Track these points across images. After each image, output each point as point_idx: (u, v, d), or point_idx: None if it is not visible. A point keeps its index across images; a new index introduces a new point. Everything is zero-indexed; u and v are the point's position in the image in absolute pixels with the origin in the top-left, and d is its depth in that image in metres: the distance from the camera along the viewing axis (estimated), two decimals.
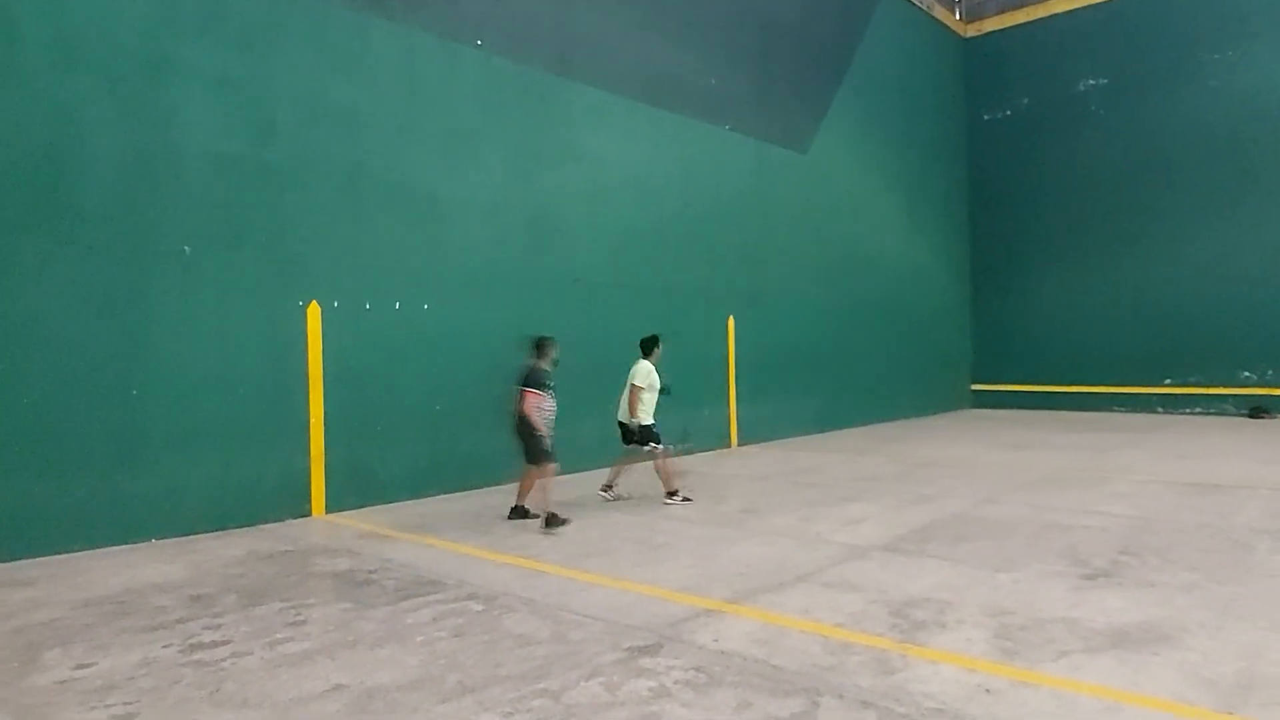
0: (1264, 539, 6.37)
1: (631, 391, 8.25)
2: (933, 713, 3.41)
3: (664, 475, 8.28)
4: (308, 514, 7.83)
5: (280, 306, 7.71)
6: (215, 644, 4.38)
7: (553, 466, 7.47)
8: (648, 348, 8.49)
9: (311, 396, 7.89)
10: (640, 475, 9.11)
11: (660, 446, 8.25)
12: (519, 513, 7.67)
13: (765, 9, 13.71)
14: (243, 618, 4.82)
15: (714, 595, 5.11)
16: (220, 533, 7.15)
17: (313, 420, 7.88)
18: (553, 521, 7.16)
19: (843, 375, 15.19)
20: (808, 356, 14.30)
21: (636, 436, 8.29)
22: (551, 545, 6.56)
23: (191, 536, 7.00)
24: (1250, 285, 16.45)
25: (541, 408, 7.44)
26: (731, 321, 12.75)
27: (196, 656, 4.21)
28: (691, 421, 11.89)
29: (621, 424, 8.50)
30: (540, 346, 7.69)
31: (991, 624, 4.49)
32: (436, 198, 8.96)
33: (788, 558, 6.04)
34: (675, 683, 3.75)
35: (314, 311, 7.90)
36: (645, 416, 8.25)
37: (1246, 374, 16.60)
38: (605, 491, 8.66)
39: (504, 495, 8.78)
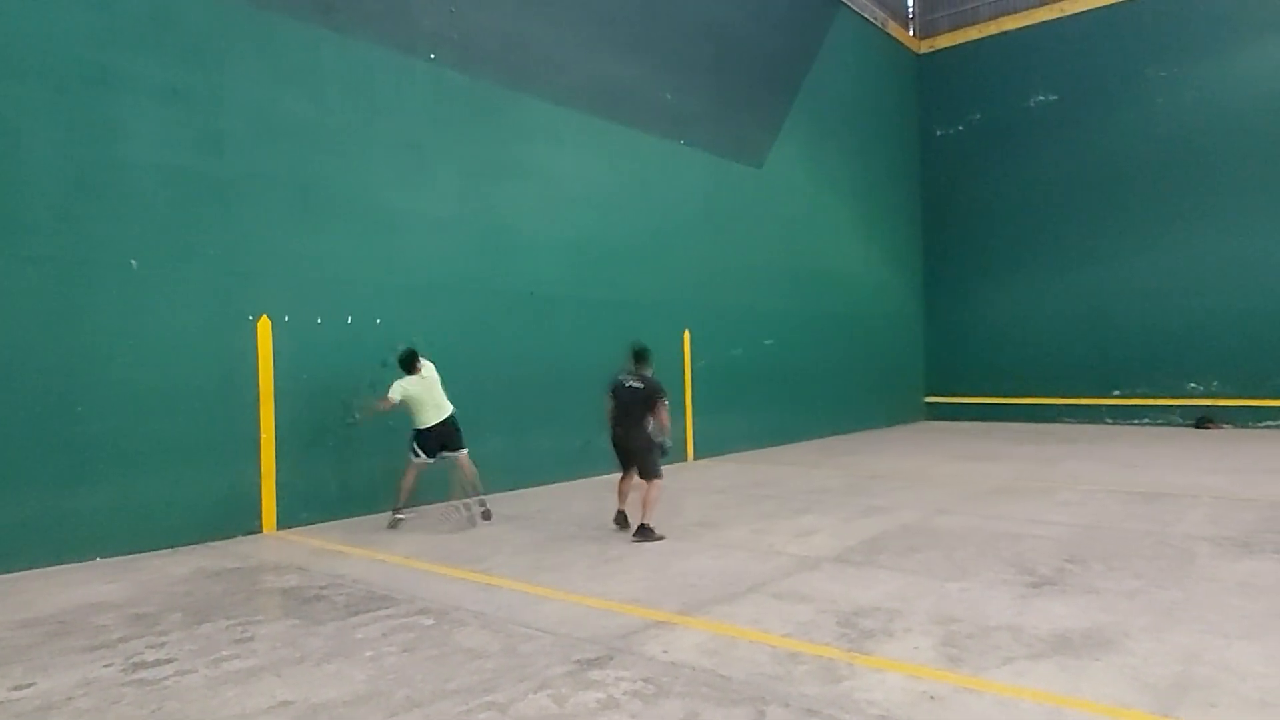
0: (1205, 546, 6.54)
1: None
2: None
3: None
4: (258, 531, 7.70)
5: (230, 321, 7.59)
6: (158, 663, 4.30)
7: (662, 481, 7.35)
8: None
9: (262, 411, 7.77)
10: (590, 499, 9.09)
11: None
12: (624, 519, 7.48)
13: (720, 23, 13.88)
14: (187, 636, 4.73)
15: (665, 607, 5.12)
16: (167, 551, 7.00)
17: (263, 435, 7.76)
18: (651, 535, 7.03)
19: (798, 388, 15.33)
20: (764, 370, 14.42)
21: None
22: (505, 560, 6.53)
23: (137, 555, 6.84)
24: (1196, 298, 16.91)
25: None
26: (687, 335, 12.81)
27: (138, 676, 4.12)
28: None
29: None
30: (648, 355, 7.45)
31: (938, 632, 4.55)
32: (389, 211, 8.91)
33: (740, 569, 6.07)
34: (624, 694, 3.75)
35: (264, 326, 7.80)
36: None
37: (1193, 385, 17.04)
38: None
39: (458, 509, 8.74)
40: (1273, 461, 11.58)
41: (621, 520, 7.56)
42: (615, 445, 7.50)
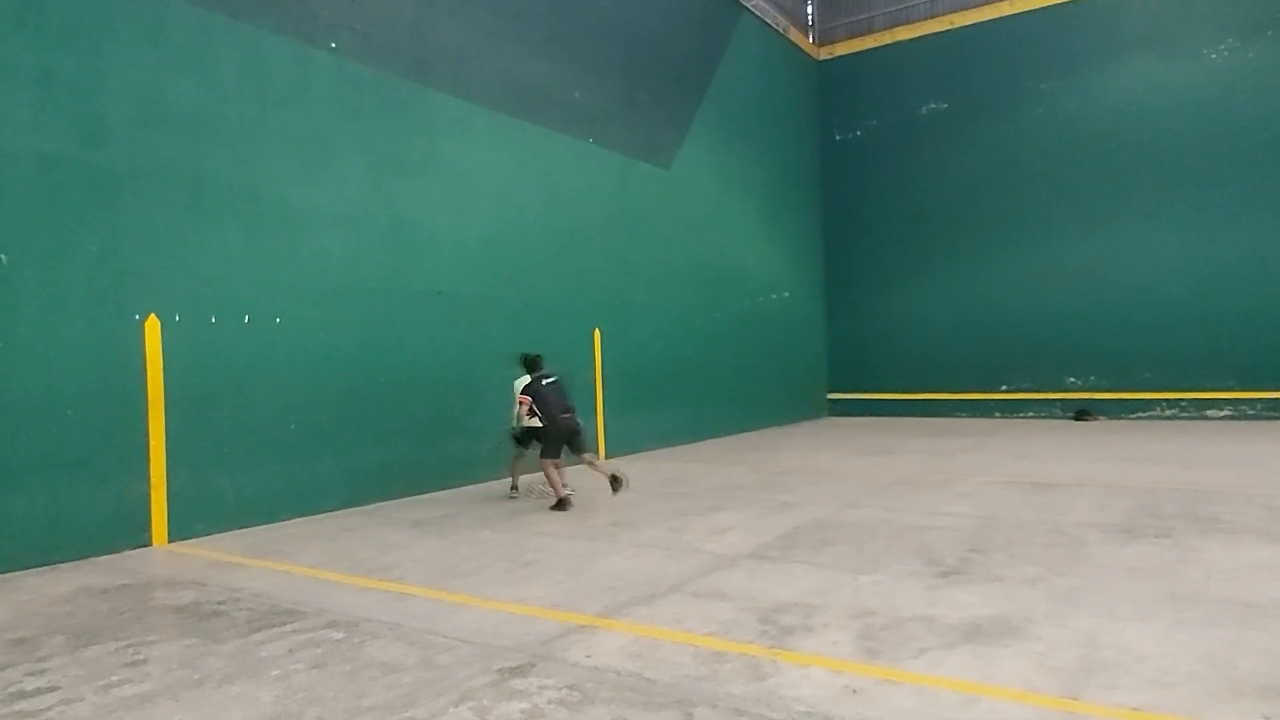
0: (1094, 532, 6.89)
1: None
2: (803, 716, 3.47)
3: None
4: (148, 544, 7.24)
5: (114, 321, 7.10)
6: (40, 691, 3.97)
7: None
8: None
9: (151, 417, 7.31)
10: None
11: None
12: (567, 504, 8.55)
13: (629, 24, 13.87)
14: (72, 660, 4.39)
15: (586, 610, 5.05)
16: (46, 568, 6.50)
17: (152, 443, 7.30)
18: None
19: (707, 386, 15.50)
20: (673, 368, 14.52)
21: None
22: (417, 567, 6.33)
23: (12, 574, 6.32)
24: (1073, 297, 17.94)
25: None
26: (598, 334, 12.77)
27: (18, 707, 3.79)
28: None
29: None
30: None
31: (856, 625, 4.64)
32: (289, 206, 8.52)
33: (658, 569, 6.06)
34: (549, 702, 3.67)
35: (152, 325, 7.34)
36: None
37: (1072, 380, 18.07)
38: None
39: (365, 516, 8.47)
40: (1144, 450, 12.36)
41: (565, 505, 8.47)
42: (562, 433, 8.49)
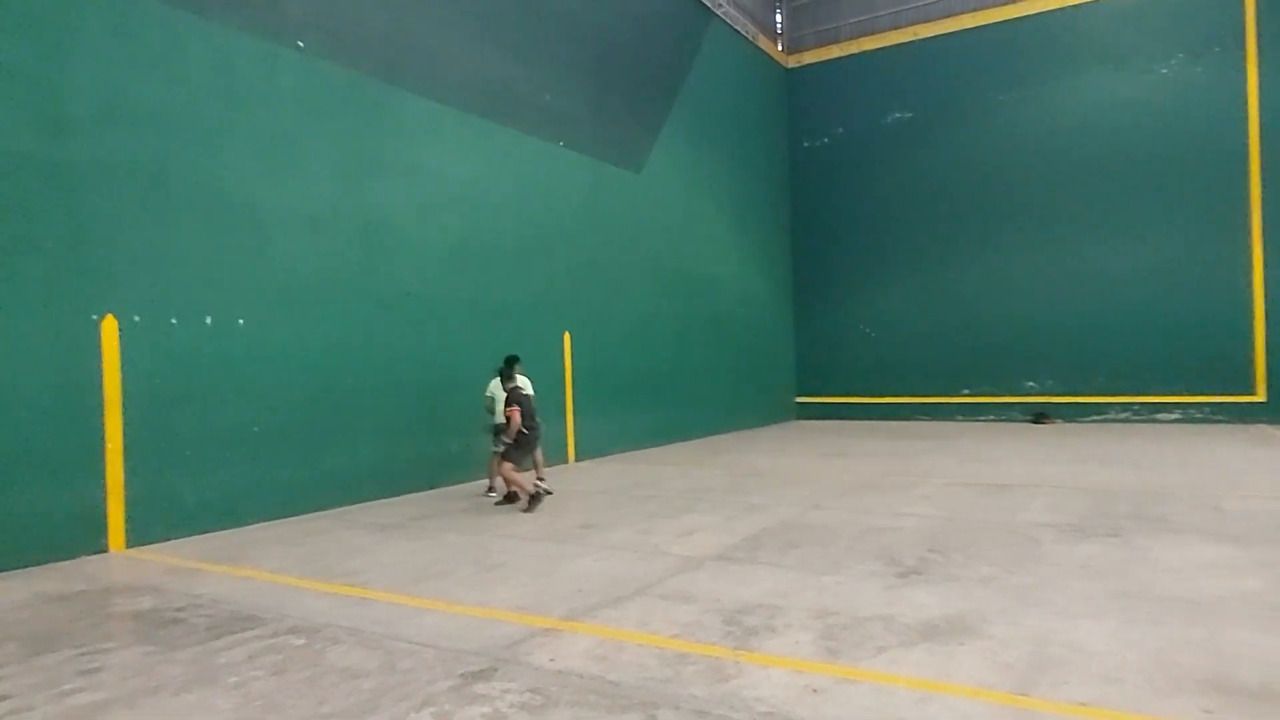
0: (1048, 532, 7.06)
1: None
2: (764, 717, 3.53)
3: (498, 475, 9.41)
4: (105, 550, 7.12)
5: (71, 320, 6.97)
6: None
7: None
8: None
9: (108, 420, 7.19)
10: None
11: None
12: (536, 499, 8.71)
13: (601, 28, 13.92)
14: (25, 669, 4.31)
15: (551, 613, 5.07)
16: (0, 575, 6.39)
17: (110, 446, 7.18)
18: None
19: (677, 389, 15.58)
20: (643, 372, 14.57)
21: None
22: (382, 571, 6.30)
23: None
24: (1032, 303, 18.35)
25: None
26: (568, 337, 12.78)
27: None
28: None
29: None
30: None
31: (817, 625, 4.71)
32: (255, 206, 8.44)
33: (626, 571, 6.10)
34: (510, 706, 3.69)
35: (109, 326, 7.22)
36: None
37: (1030, 384, 18.45)
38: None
39: (331, 520, 8.40)
40: (1098, 452, 12.67)
41: (536, 500, 8.60)
42: (530, 442, 8.82)
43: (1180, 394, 17.03)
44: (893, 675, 3.95)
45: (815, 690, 3.80)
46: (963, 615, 4.84)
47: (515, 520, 8.19)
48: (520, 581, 5.88)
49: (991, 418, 18.80)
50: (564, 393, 12.71)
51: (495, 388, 9.28)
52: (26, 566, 6.58)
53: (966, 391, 19.10)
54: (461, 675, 4.07)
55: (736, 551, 6.65)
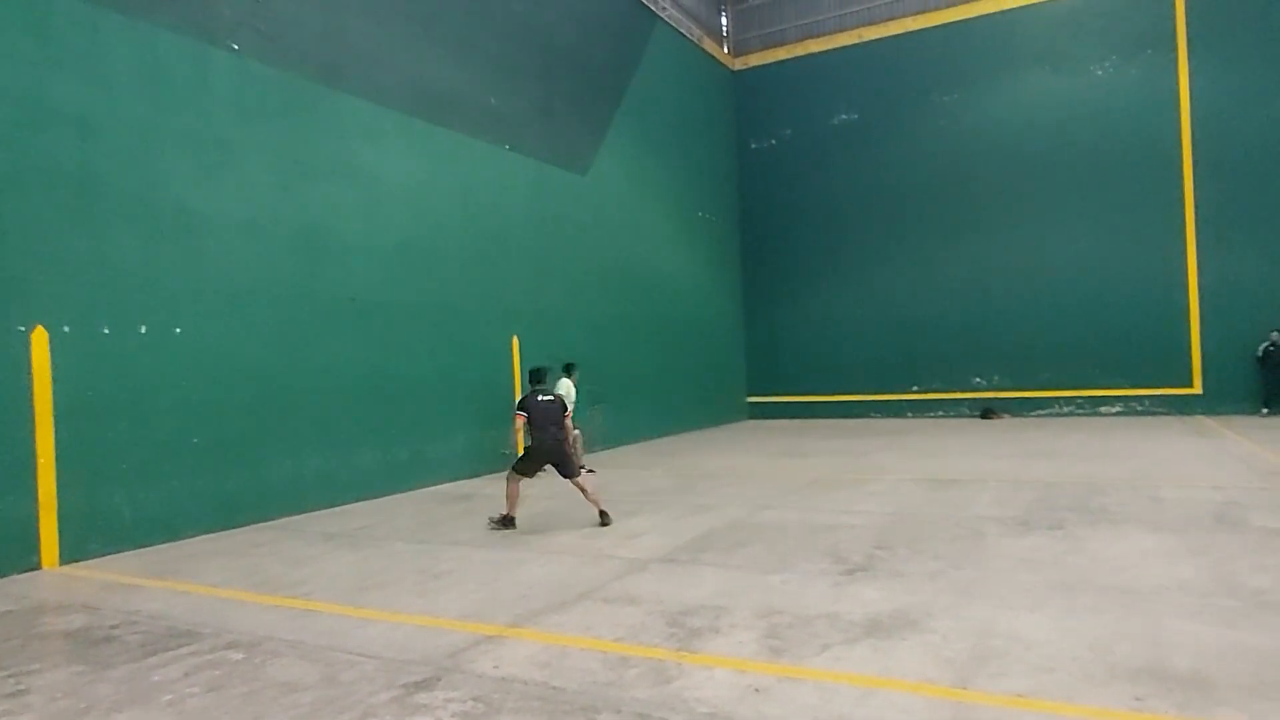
0: (994, 526, 7.18)
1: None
2: (705, 717, 3.52)
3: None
4: (37, 567, 6.88)
5: None
6: None
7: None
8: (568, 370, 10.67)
9: (39, 433, 6.95)
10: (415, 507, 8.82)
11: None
12: (512, 522, 8.00)
13: (544, 30, 13.85)
14: None
15: (496, 620, 5.02)
16: None
17: (41, 460, 6.94)
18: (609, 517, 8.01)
19: (626, 392, 15.54)
20: (591, 375, 14.47)
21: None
22: (326, 582, 6.18)
23: None
24: (977, 300, 18.70)
25: None
26: (516, 341, 12.69)
27: None
28: (480, 442, 11.71)
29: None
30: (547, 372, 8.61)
31: (762, 625, 4.72)
32: (188, 210, 8.22)
33: (571, 576, 6.06)
34: (453, 715, 3.64)
35: (40, 337, 6.99)
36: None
37: (978, 380, 18.80)
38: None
39: (276, 531, 8.23)
40: (1044, 445, 12.94)
41: (510, 523, 7.95)
42: (537, 452, 8.01)
43: (1122, 387, 17.49)
44: (836, 672, 3.98)
45: (758, 690, 3.80)
46: (907, 610, 4.90)
47: (462, 529, 8.09)
48: (466, 589, 5.81)
49: (941, 414, 19.11)
50: (512, 397, 12.61)
51: (565, 387, 10.39)
52: None
53: (916, 388, 19.39)
54: (404, 685, 4.01)
55: (683, 553, 6.65)
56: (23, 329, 6.90)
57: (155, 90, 8.01)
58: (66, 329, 7.18)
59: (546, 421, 8.03)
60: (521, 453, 8.21)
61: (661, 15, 17.76)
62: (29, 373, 6.92)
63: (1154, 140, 17.12)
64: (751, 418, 21.03)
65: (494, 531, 7.88)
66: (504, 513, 7.99)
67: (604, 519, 7.97)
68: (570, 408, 10.30)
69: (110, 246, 7.57)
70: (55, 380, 7.07)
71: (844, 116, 20.12)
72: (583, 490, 8.10)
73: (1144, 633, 4.37)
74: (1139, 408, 17.39)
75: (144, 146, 7.88)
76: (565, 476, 8.15)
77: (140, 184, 7.83)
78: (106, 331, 7.48)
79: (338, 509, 9.43)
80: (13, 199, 6.91)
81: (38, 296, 7.01)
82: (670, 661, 4.20)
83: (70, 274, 7.25)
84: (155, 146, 7.97)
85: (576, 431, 10.84)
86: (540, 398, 8.13)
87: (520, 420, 8.06)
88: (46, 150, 7.15)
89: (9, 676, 4.38)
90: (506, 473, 8.18)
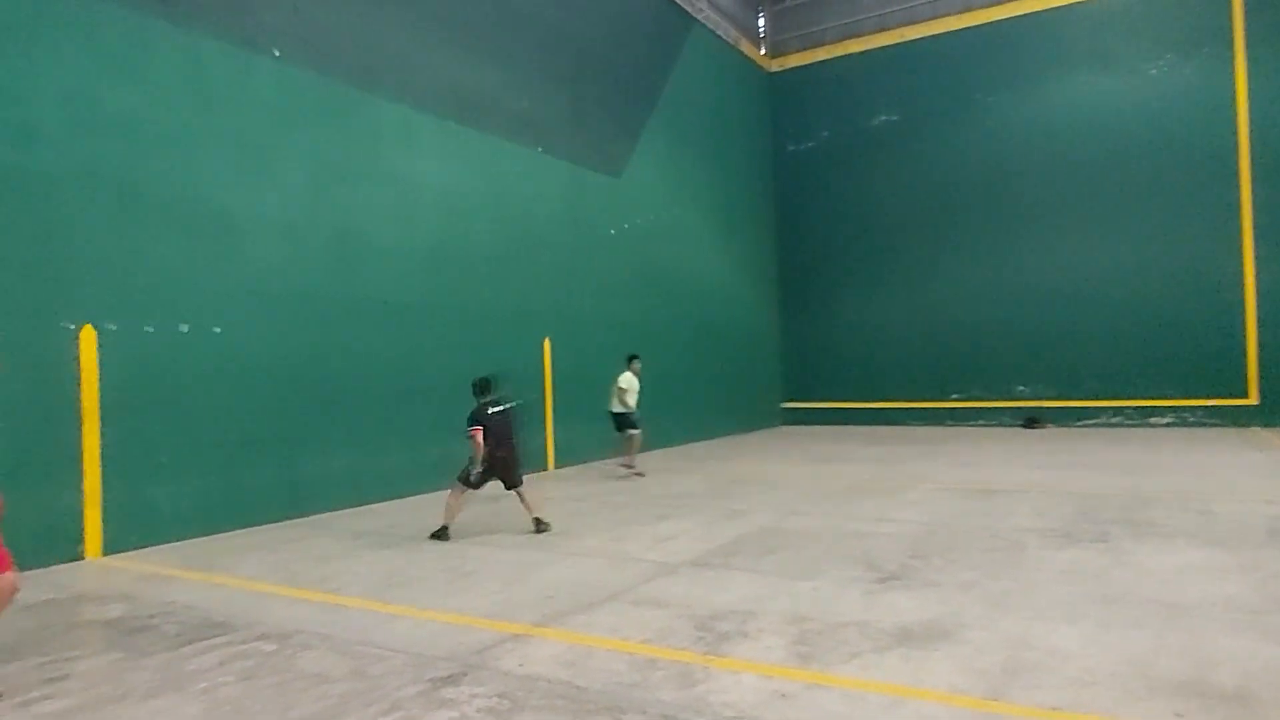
0: (1033, 537, 7.01)
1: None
2: None
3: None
4: (80, 558, 7.05)
5: (44, 330, 6.91)
6: None
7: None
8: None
9: (85, 428, 7.13)
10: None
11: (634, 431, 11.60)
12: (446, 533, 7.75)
13: (578, 33, 13.89)
14: None
15: (522, 619, 5.02)
16: None
17: (86, 454, 7.12)
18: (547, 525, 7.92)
19: (659, 396, 15.43)
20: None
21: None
22: (355, 578, 6.24)
23: None
24: (1022, 306, 18.30)
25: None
26: (548, 343, 12.72)
27: None
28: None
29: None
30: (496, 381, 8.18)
31: (791, 631, 4.66)
32: (228, 213, 8.38)
33: (598, 578, 6.04)
34: (478, 711, 3.64)
35: (88, 335, 7.16)
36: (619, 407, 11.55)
37: (1022, 388, 18.40)
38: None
39: (306, 528, 8.34)
40: (1090, 457, 12.63)
41: (445, 534, 7.67)
42: (495, 465, 7.74)
43: (1173, 398, 17.01)
44: (864, 681, 3.91)
45: (784, 695, 3.74)
46: (940, 620, 4.79)
47: (489, 528, 8.11)
48: (492, 588, 5.82)
49: (982, 422, 18.75)
50: (544, 399, 12.65)
51: (627, 380, 11.42)
52: None
53: (956, 396, 19.06)
54: (430, 680, 4.03)
55: (712, 558, 6.59)
56: (71, 327, 7.08)
57: (198, 96, 8.18)
58: (113, 327, 7.35)
59: (505, 432, 7.79)
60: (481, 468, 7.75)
61: (698, 17, 17.74)
62: (77, 370, 7.09)
63: (1210, 142, 16.63)
64: (787, 424, 20.85)
65: (509, 527, 7.92)
66: (444, 523, 7.73)
67: (540, 526, 7.84)
68: (635, 400, 11.53)
69: (154, 247, 7.74)
70: (101, 376, 7.24)
71: (884, 118, 19.88)
72: (523, 499, 7.94)
73: (1187, 648, 4.23)
74: (1191, 419, 16.89)
75: (187, 150, 8.05)
76: (509, 487, 7.98)
77: (183, 187, 8.00)
78: (150, 330, 7.64)
79: (367, 507, 9.53)
80: (61, 201, 7.10)
81: (85, 296, 7.19)
82: (697, 665, 4.15)
83: (115, 274, 7.43)
84: (197, 150, 8.14)
85: (635, 433, 11.66)
86: (491, 410, 7.76)
87: (478, 434, 7.58)
88: (93, 154, 7.34)
89: (51, 662, 4.48)
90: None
